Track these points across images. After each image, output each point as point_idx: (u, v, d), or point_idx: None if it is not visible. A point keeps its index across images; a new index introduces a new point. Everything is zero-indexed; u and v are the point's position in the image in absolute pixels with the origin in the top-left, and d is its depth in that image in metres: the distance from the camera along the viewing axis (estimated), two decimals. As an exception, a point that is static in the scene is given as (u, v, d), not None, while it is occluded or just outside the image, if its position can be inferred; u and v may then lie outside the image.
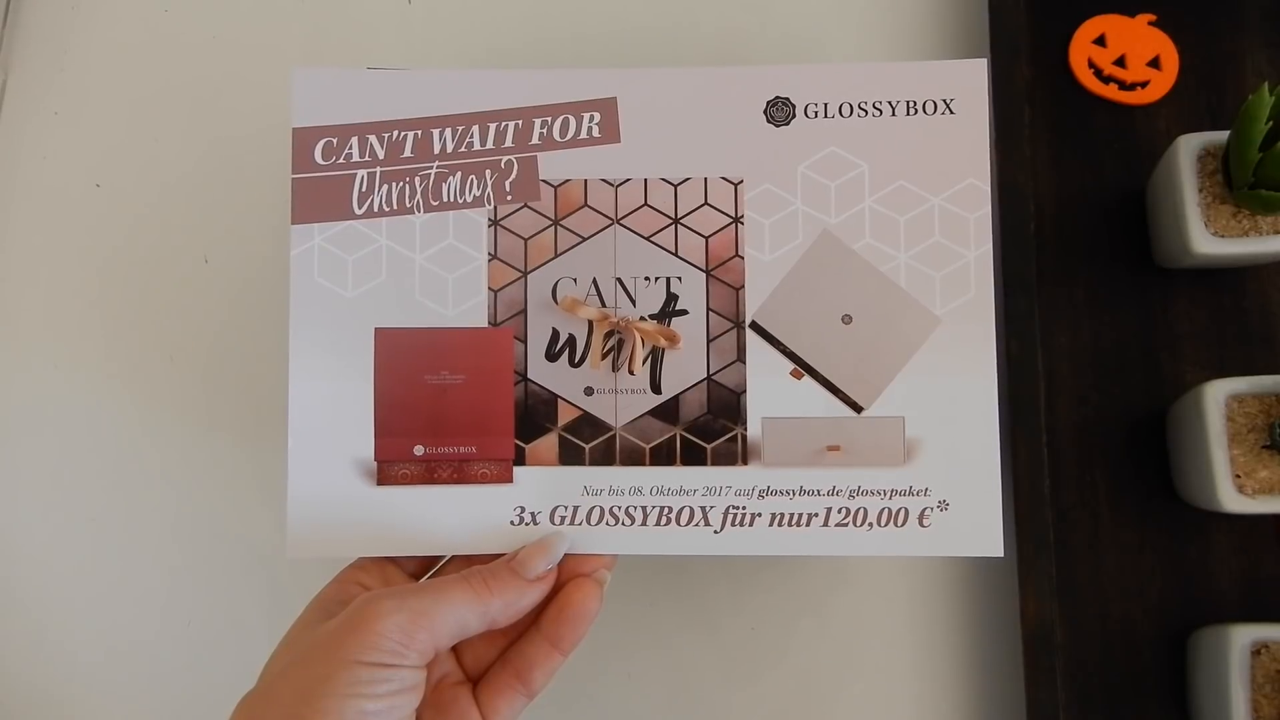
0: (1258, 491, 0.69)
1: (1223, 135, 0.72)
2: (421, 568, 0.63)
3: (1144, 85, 0.80)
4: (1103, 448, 0.77)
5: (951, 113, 0.60)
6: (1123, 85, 0.81)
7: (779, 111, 0.60)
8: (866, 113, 0.60)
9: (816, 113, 0.60)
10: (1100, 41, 0.81)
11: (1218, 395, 0.69)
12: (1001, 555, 0.59)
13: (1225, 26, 0.82)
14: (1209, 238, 0.71)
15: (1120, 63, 0.81)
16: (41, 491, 0.82)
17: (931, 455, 0.58)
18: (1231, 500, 0.68)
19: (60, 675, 0.80)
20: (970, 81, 0.60)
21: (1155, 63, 0.81)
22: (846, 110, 0.60)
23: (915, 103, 0.60)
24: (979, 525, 0.58)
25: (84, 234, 0.85)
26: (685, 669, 0.78)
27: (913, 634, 0.78)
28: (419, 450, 0.60)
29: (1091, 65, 0.81)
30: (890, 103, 0.60)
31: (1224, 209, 0.72)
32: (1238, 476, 0.69)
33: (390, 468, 0.60)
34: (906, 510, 0.58)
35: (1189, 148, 0.72)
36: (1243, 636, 0.69)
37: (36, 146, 0.87)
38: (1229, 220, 0.71)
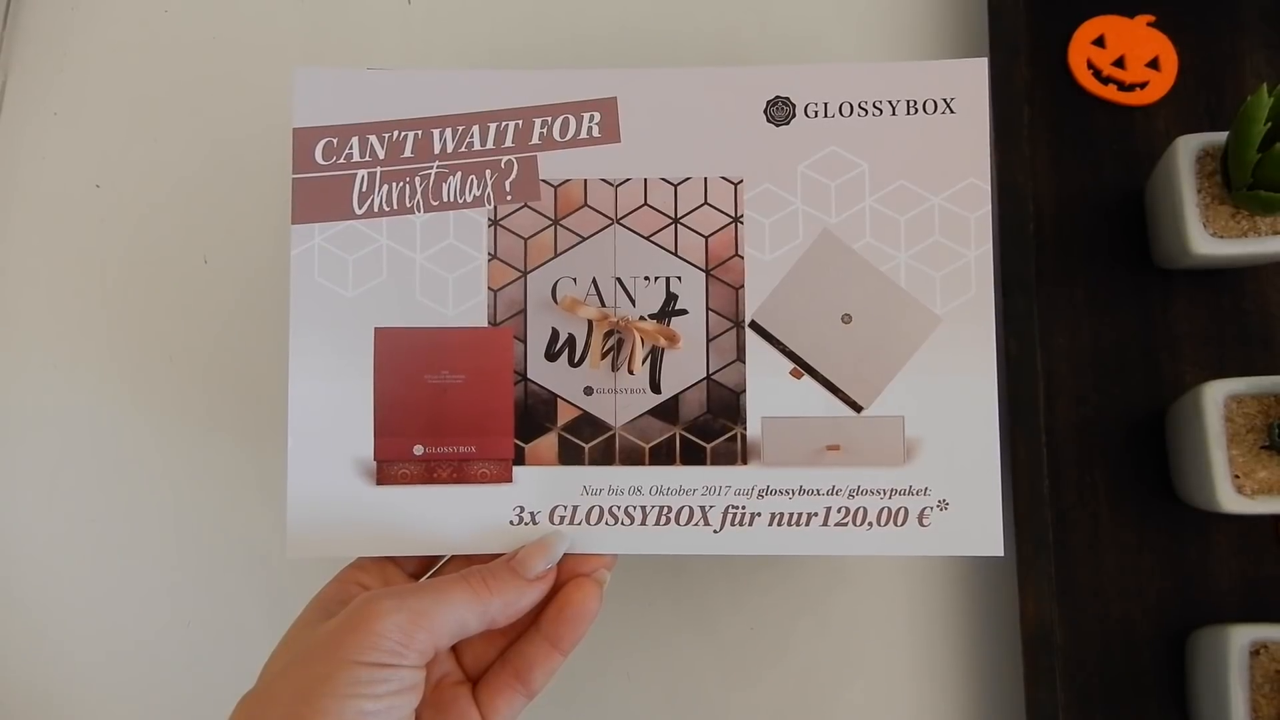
0: (1256, 492, 0.69)
1: (1221, 136, 0.72)
2: (421, 567, 0.63)
3: (1143, 86, 0.80)
4: (1102, 448, 0.78)
5: (952, 112, 0.60)
6: (1122, 86, 0.81)
7: (779, 111, 0.60)
8: (867, 112, 0.60)
9: (817, 112, 0.60)
10: (1099, 42, 0.81)
11: (1217, 396, 0.69)
12: (1002, 554, 0.59)
13: (1224, 28, 0.82)
14: (1208, 238, 0.71)
15: (1119, 63, 0.81)
16: (41, 492, 0.82)
17: (931, 454, 0.58)
18: (1230, 501, 0.68)
19: (60, 675, 0.80)
20: (971, 81, 0.60)
21: (1154, 64, 0.81)
22: (847, 110, 0.60)
23: (915, 102, 0.60)
24: (979, 524, 0.58)
25: (84, 235, 0.85)
26: (684, 669, 0.78)
27: (912, 634, 0.78)
28: (419, 450, 0.61)
29: (1091, 66, 0.81)
30: (890, 102, 0.60)
31: (1223, 210, 0.72)
32: (1236, 477, 0.69)
33: (390, 467, 0.60)
34: (906, 510, 0.58)
35: (1188, 148, 0.72)
36: (1242, 637, 0.69)
37: (36, 147, 0.87)
38: (1228, 221, 0.71)
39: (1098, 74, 0.81)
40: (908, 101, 0.60)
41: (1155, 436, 0.77)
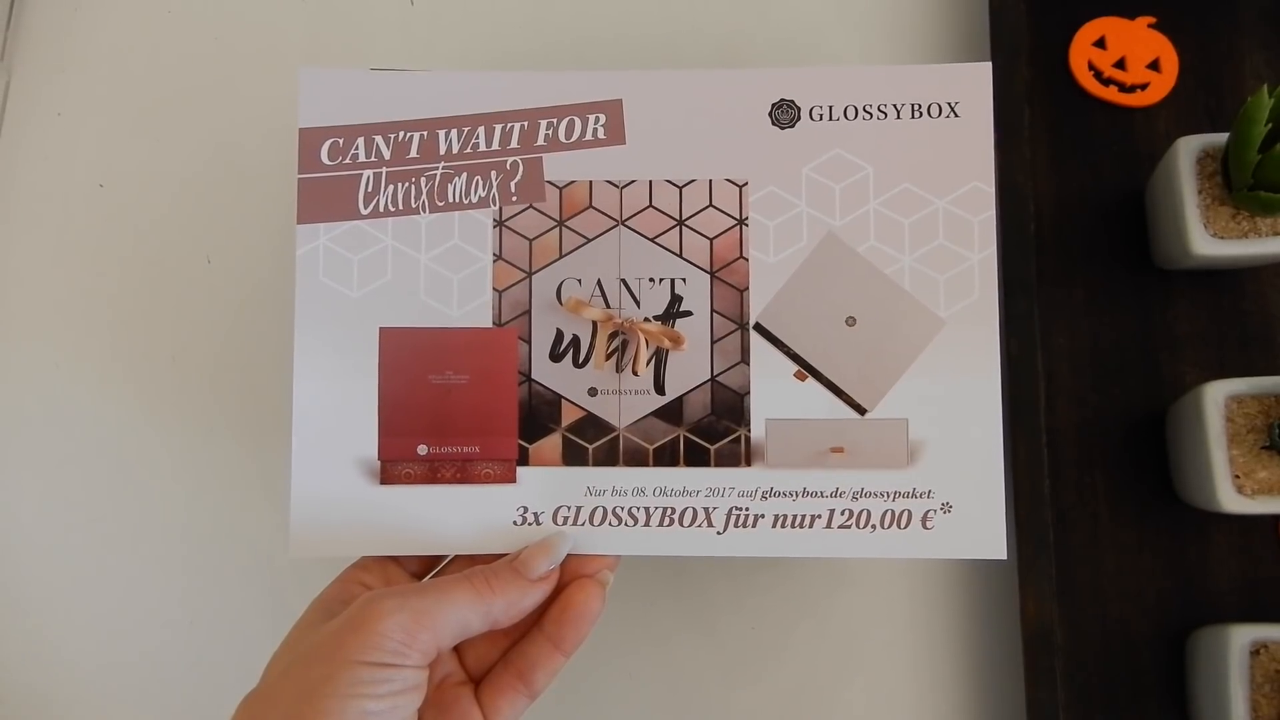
0: (1257, 492, 0.69)
1: (1222, 137, 0.72)
2: (424, 568, 0.63)
3: (1143, 87, 0.81)
4: (1102, 449, 0.78)
5: (956, 116, 0.60)
6: (1122, 87, 0.81)
7: (784, 114, 0.60)
8: (871, 115, 0.60)
9: (821, 115, 0.60)
10: (1100, 44, 0.81)
11: (1217, 396, 0.70)
12: (1004, 558, 0.59)
13: (1224, 29, 0.82)
14: (1208, 239, 0.71)
15: (1120, 65, 0.81)
16: (44, 492, 0.82)
17: (935, 457, 0.58)
18: (1231, 501, 0.69)
19: (63, 676, 0.80)
20: (975, 84, 0.60)
21: (1155, 65, 0.81)
22: (851, 113, 0.60)
23: (920, 106, 0.60)
24: (982, 527, 0.58)
25: (86, 235, 0.85)
26: (685, 668, 0.78)
27: (913, 634, 0.78)
28: (423, 450, 0.61)
29: (1091, 67, 0.81)
30: (895, 105, 0.60)
31: (1223, 210, 0.72)
32: (1237, 477, 0.69)
33: (393, 467, 0.61)
34: (910, 512, 0.58)
35: (1188, 150, 0.72)
36: (1242, 636, 0.70)
37: (39, 147, 0.87)
38: (1228, 222, 0.72)
39: (1098, 75, 0.81)
40: (912, 105, 0.60)
41: (1155, 437, 0.77)
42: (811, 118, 0.60)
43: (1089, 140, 0.81)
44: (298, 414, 0.61)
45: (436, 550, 0.61)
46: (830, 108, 0.60)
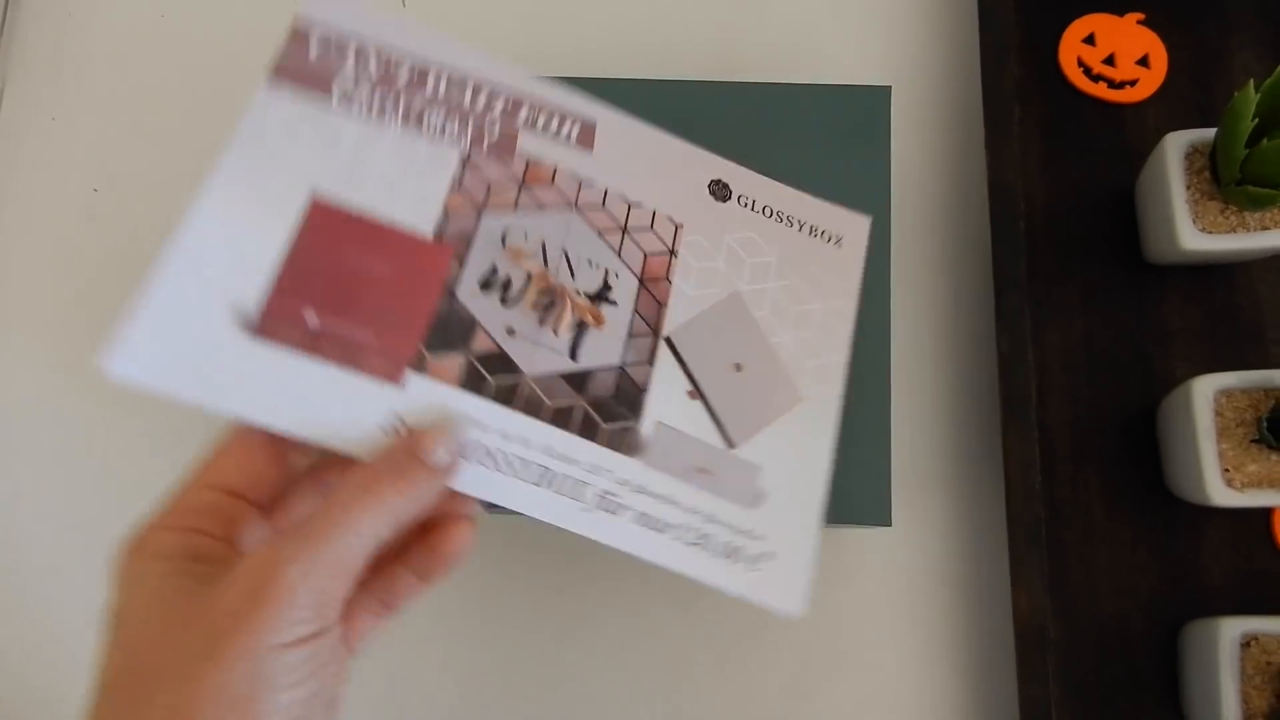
0: (1246, 485, 0.69)
1: (1210, 132, 0.72)
2: (271, 493, 0.55)
3: (1133, 84, 0.81)
4: (1094, 444, 0.78)
5: (839, 246, 0.67)
6: (1112, 84, 0.81)
7: (719, 191, 0.66)
8: (782, 221, 0.67)
9: (747, 204, 0.67)
10: (1089, 40, 0.82)
11: (1206, 390, 0.70)
12: (798, 616, 0.58)
13: (1213, 25, 0.82)
14: (1197, 234, 0.71)
15: (1109, 61, 0.81)
16: (41, 493, 0.84)
17: (772, 509, 0.60)
18: (1220, 494, 0.69)
19: (62, 676, 0.81)
20: (855, 228, 0.68)
21: (1144, 61, 0.81)
22: (768, 212, 0.67)
23: (816, 229, 0.67)
24: (788, 583, 0.59)
25: (82, 237, 0.88)
26: (680, 664, 0.80)
27: (908, 629, 0.79)
28: (311, 318, 0.55)
29: (1081, 64, 0.82)
30: (799, 221, 0.67)
31: (1212, 205, 0.72)
32: (1227, 470, 0.70)
33: (272, 323, 0.55)
34: (742, 550, 0.59)
35: (1177, 145, 0.73)
36: (1232, 629, 0.70)
37: (33, 152, 0.90)
38: (1217, 216, 0.72)
39: (1088, 72, 0.81)
40: (810, 226, 0.67)
41: (1147, 432, 0.78)
42: (739, 202, 0.67)
43: (1079, 137, 0.82)
44: (186, 230, 0.56)
45: (286, 429, 0.54)
46: (754, 201, 0.67)
